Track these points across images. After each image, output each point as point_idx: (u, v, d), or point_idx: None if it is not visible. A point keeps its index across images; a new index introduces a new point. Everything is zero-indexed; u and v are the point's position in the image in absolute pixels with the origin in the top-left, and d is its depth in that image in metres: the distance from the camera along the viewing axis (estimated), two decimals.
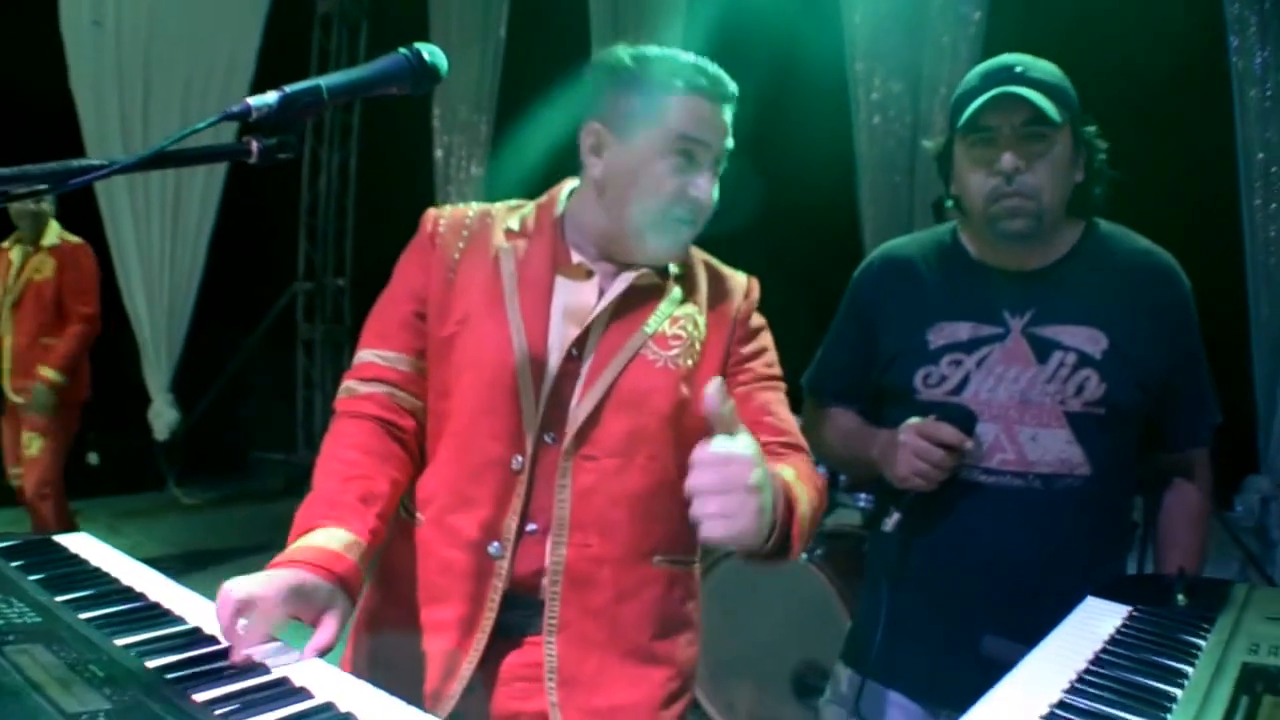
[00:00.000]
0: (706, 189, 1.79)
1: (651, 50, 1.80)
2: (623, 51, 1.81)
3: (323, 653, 1.42)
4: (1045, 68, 2.04)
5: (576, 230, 1.88)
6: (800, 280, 2.42)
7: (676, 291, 1.88)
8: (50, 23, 6.72)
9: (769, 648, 3.86)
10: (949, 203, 2.17)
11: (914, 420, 2.03)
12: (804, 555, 3.79)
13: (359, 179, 9.04)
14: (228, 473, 8.53)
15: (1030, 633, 1.54)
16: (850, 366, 2.30)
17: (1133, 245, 2.13)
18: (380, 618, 1.85)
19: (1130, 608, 1.64)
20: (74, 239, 5.64)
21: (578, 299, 1.84)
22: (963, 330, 2.09)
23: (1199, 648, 1.45)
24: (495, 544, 1.75)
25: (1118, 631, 1.54)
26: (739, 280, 1.98)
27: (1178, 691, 1.30)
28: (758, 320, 1.97)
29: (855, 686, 2.18)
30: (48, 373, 5.39)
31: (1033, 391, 2.02)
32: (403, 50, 1.41)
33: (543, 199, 1.95)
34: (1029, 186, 1.98)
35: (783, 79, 5.82)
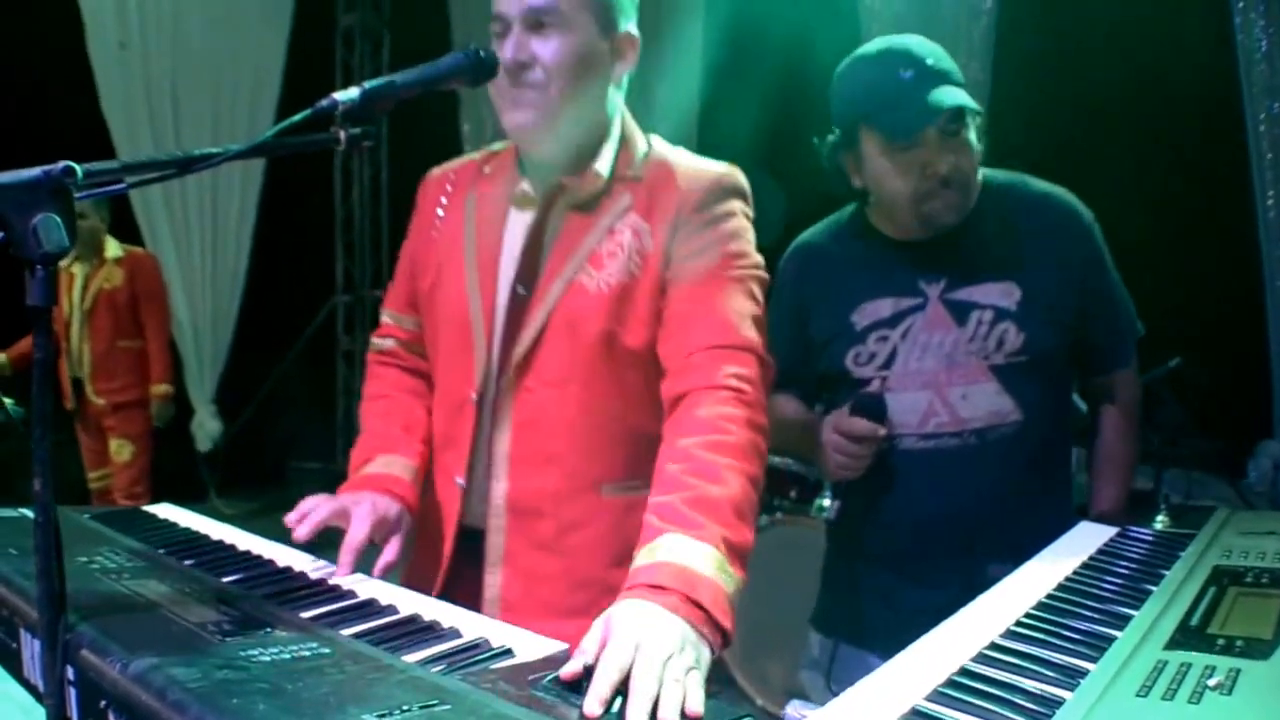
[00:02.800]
0: (511, 51, 1.71)
1: None
2: None
3: (389, 568, 1.68)
4: (936, 50, 2.07)
5: (527, 155, 1.88)
6: None
7: (625, 200, 1.81)
8: (78, 48, 6.92)
9: (799, 621, 3.96)
10: (856, 184, 2.20)
11: (831, 418, 2.13)
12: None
13: (391, 191, 9.20)
14: (268, 483, 8.59)
15: (993, 576, 1.63)
16: (785, 357, 2.22)
17: (1032, 191, 2.21)
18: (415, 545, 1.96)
19: (1117, 529, 1.82)
20: (139, 249, 6.02)
21: (521, 229, 1.86)
22: (884, 307, 2.17)
23: (1177, 555, 1.63)
24: (459, 478, 1.84)
25: (1105, 545, 1.72)
26: (701, 172, 1.84)
27: (1154, 588, 1.47)
28: (721, 208, 1.80)
29: (827, 650, 2.31)
30: (159, 389, 5.87)
31: (957, 353, 2.11)
32: (462, 51, 1.62)
33: None
34: (959, 182, 2.07)
35: (799, 80, 5.94)
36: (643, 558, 1.43)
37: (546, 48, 1.72)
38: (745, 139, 5.76)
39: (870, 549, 2.24)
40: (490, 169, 1.96)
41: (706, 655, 1.31)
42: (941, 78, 2.02)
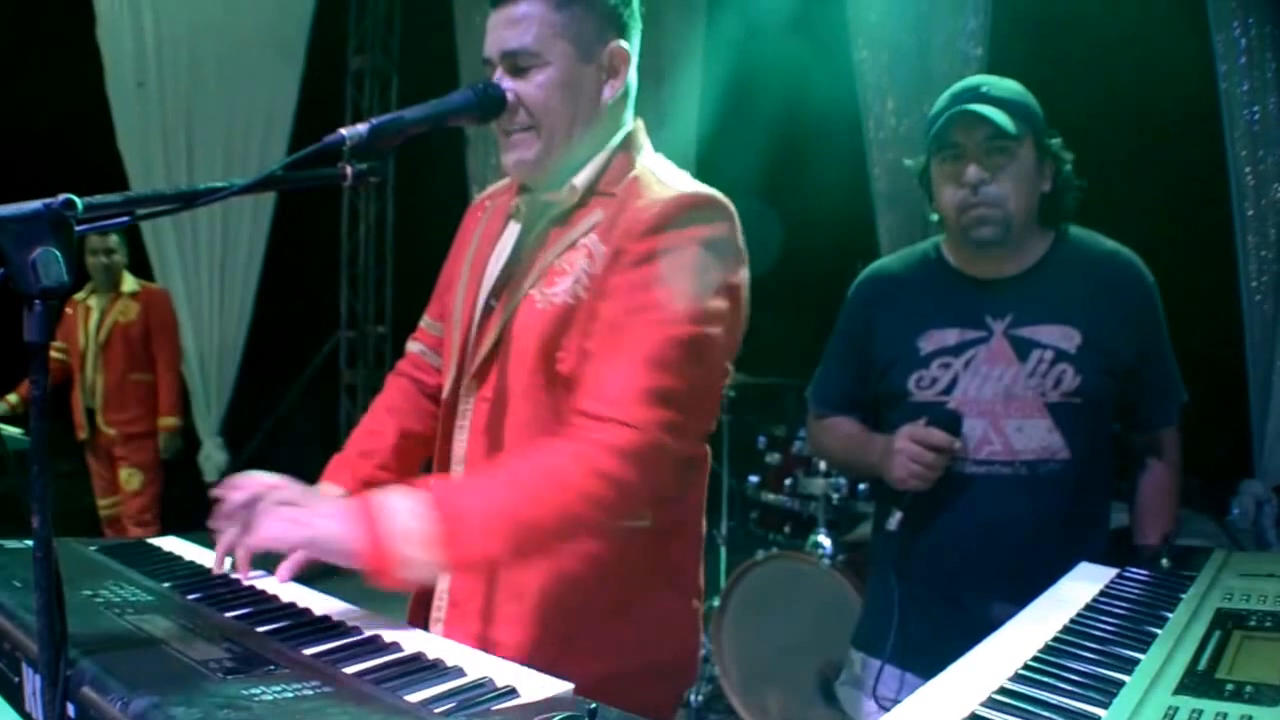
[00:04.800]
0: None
1: None
2: None
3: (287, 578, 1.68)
4: (1007, 85, 2.20)
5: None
6: (820, 314, 2.55)
7: (595, 217, 1.76)
8: (97, 85, 6.94)
9: (796, 652, 3.97)
10: (934, 217, 2.32)
11: (906, 428, 2.18)
12: (826, 562, 3.91)
13: (396, 229, 9.20)
14: None
15: (1027, 601, 1.64)
16: (847, 378, 2.46)
17: (1100, 247, 2.28)
18: None
19: (1118, 570, 1.78)
20: (154, 285, 6.13)
21: (509, 243, 1.87)
22: (950, 336, 2.25)
23: (1179, 598, 1.58)
24: (431, 476, 1.85)
25: (1107, 586, 1.68)
26: (670, 191, 1.73)
27: (1158, 631, 1.43)
28: (668, 238, 1.66)
29: (870, 669, 2.32)
30: (168, 421, 5.91)
31: (1016, 387, 2.18)
32: (470, 86, 1.62)
33: None
34: (993, 196, 2.15)
35: (797, 123, 5.97)
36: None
37: (528, 87, 1.73)
38: (742, 179, 5.83)
39: (917, 568, 2.25)
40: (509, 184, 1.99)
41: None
42: (992, 101, 2.13)
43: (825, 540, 4.19)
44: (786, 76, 5.96)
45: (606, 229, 1.72)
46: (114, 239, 5.73)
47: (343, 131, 1.43)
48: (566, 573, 1.70)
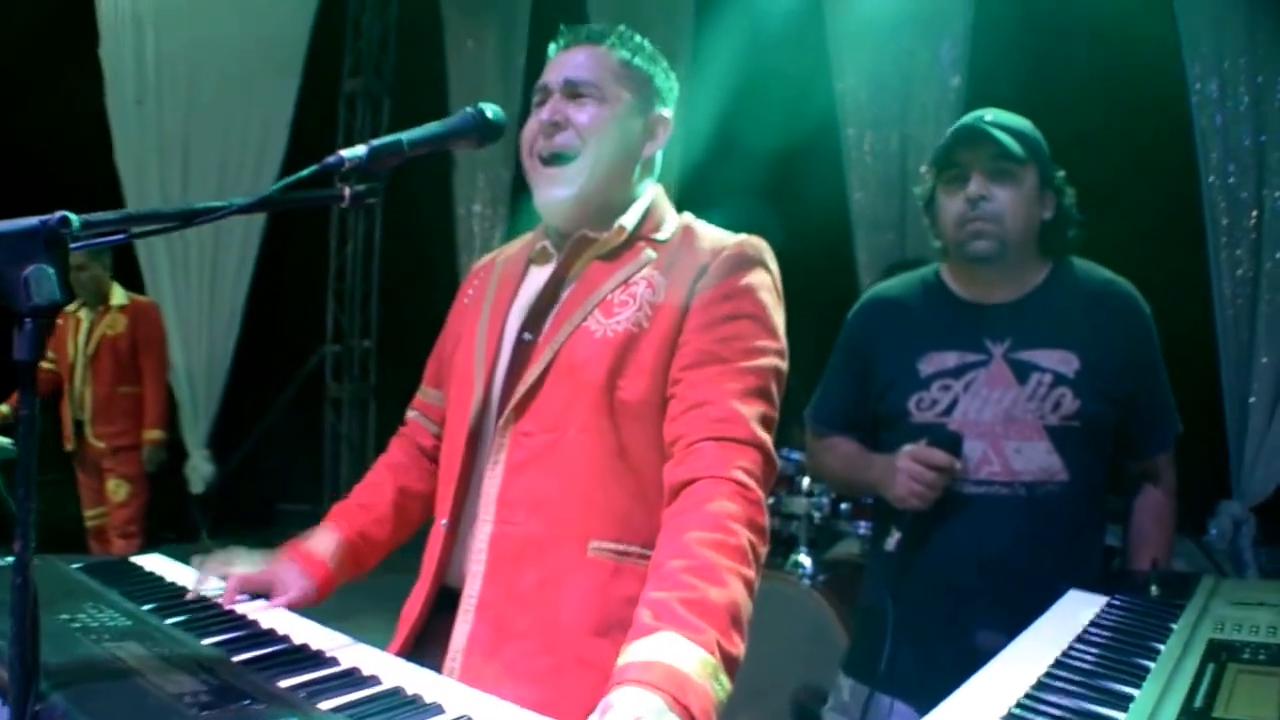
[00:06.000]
0: (547, 113, 1.75)
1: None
2: None
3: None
4: (1013, 117, 2.22)
5: (555, 226, 1.85)
6: (802, 335, 2.51)
7: (647, 255, 1.75)
8: (97, 102, 6.88)
9: (773, 675, 3.83)
10: (937, 243, 2.29)
11: (908, 447, 2.14)
12: (807, 581, 3.83)
13: (383, 247, 9.14)
14: (258, 523, 8.42)
15: (1022, 625, 1.61)
16: (847, 398, 2.41)
17: (1098, 275, 2.27)
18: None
19: (1108, 598, 1.73)
20: (143, 298, 5.98)
21: (538, 282, 1.80)
22: (950, 359, 2.21)
23: (1170, 628, 1.53)
24: (443, 519, 1.75)
25: (1097, 616, 1.62)
26: (724, 239, 1.75)
27: (1150, 664, 1.37)
28: (744, 280, 1.69)
29: (858, 696, 2.26)
30: (152, 434, 5.77)
31: (1015, 409, 2.15)
32: (469, 110, 1.54)
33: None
34: (991, 211, 2.15)
35: (778, 150, 5.94)
36: (636, 653, 1.29)
37: (582, 113, 1.74)
38: (725, 204, 5.79)
39: (914, 589, 2.18)
40: (521, 243, 1.94)
41: None
42: (996, 125, 2.16)
43: (805, 560, 4.11)
44: (769, 105, 5.94)
45: (665, 266, 1.72)
46: (80, 256, 5.57)
47: (342, 153, 1.37)
48: (607, 618, 1.60)
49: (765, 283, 1.71)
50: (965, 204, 2.16)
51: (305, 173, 1.32)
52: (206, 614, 1.56)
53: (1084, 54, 5.41)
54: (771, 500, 4.58)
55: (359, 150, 1.38)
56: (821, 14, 6.15)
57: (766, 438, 1.60)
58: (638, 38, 1.83)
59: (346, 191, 1.39)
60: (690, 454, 1.57)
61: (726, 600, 1.38)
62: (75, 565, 1.80)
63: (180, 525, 7.87)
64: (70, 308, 5.72)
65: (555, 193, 1.74)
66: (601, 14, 6.70)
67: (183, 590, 1.69)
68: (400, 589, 1.78)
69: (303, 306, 9.06)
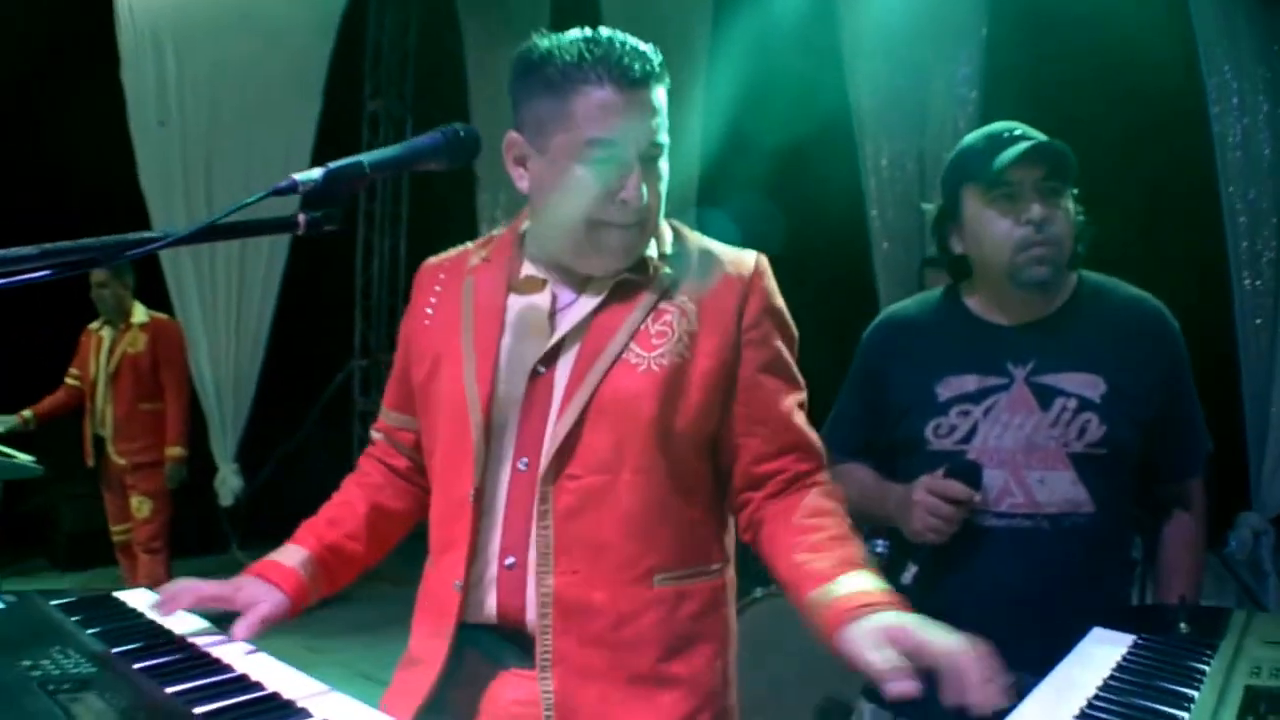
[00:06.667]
0: (635, 190, 1.52)
1: (562, 38, 1.53)
2: (533, 43, 1.56)
3: (250, 634, 1.56)
4: (1037, 131, 2.06)
5: (535, 243, 1.68)
6: (819, 351, 2.39)
7: (665, 277, 1.63)
8: (120, 123, 6.82)
9: (794, 688, 3.75)
10: (930, 254, 2.15)
11: (924, 478, 1.99)
12: None
13: (408, 262, 9.06)
14: (287, 536, 8.32)
15: (1046, 663, 1.49)
16: (862, 423, 2.26)
17: (1124, 293, 2.11)
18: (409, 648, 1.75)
19: (1135, 637, 1.59)
20: (162, 316, 5.93)
21: (533, 312, 1.64)
22: (969, 382, 2.06)
23: (1203, 672, 1.40)
24: (456, 582, 1.60)
25: (1124, 659, 1.49)
26: (742, 258, 1.68)
27: (1184, 715, 1.25)
28: (776, 304, 1.68)
29: None
30: (174, 451, 5.73)
31: (1038, 436, 2.00)
32: (441, 128, 1.41)
33: (515, 218, 1.76)
34: (1054, 236, 1.98)
35: (794, 163, 5.84)
36: (835, 586, 1.47)
37: (658, 183, 1.58)
38: (742, 216, 5.76)
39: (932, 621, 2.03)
40: (487, 253, 1.74)
41: None
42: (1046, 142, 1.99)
43: (907, 570, 3.98)
44: (784, 117, 5.83)
45: (688, 288, 1.64)
46: (101, 273, 5.53)
47: (295, 177, 1.26)
48: (676, 639, 1.62)
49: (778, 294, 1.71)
50: (1027, 228, 1.97)
51: (253, 199, 1.20)
52: (179, 658, 1.44)
53: (1099, 67, 5.27)
54: None
55: (314, 174, 1.27)
56: (837, 22, 6.04)
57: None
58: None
59: (301, 218, 1.26)
60: (779, 462, 1.66)
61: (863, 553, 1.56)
62: (55, 602, 1.69)
63: (210, 538, 7.83)
64: (93, 325, 5.75)
65: (618, 263, 1.60)
66: (614, 21, 6.57)
67: (159, 629, 1.58)
68: None
69: (330, 322, 9.03)
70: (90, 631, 1.53)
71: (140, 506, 5.69)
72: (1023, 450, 2.00)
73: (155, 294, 6.19)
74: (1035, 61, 5.51)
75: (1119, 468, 2.01)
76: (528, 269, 1.68)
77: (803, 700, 3.72)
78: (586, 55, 1.49)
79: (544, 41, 1.54)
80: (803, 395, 1.70)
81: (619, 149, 1.51)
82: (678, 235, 1.71)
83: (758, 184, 5.96)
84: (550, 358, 1.60)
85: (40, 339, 6.08)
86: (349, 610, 5.75)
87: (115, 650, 1.44)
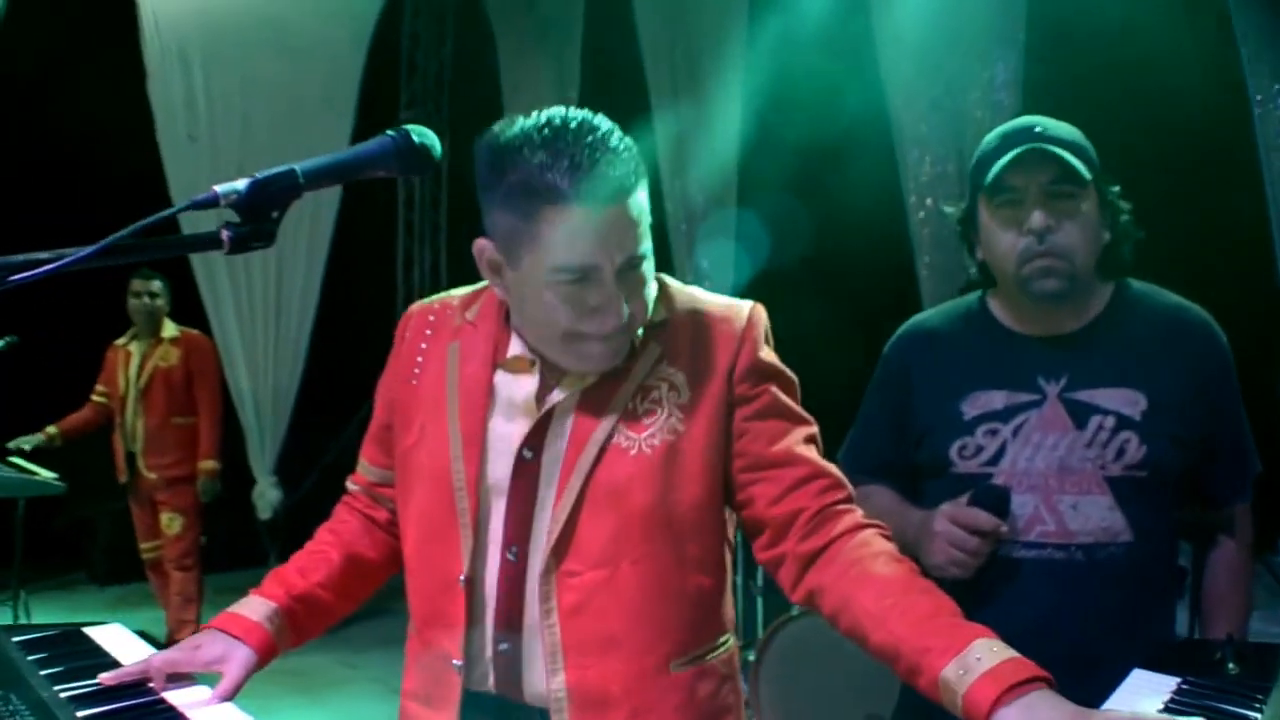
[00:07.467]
0: (614, 311, 1.39)
1: (527, 130, 1.36)
2: (493, 135, 1.40)
3: (225, 697, 1.44)
4: (1066, 127, 1.87)
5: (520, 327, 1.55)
6: (860, 360, 2.24)
7: (653, 350, 1.51)
8: (149, 138, 6.76)
9: (833, 705, 3.66)
10: (972, 269, 2.00)
11: (946, 506, 1.83)
12: None
13: (449, 275, 8.95)
14: None
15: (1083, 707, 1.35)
16: (883, 443, 2.10)
17: (1165, 302, 1.93)
18: (403, 708, 1.67)
19: (1179, 680, 1.43)
20: (193, 331, 5.90)
21: (520, 393, 1.52)
22: (997, 399, 1.90)
23: None
24: (455, 660, 1.52)
25: (1168, 705, 1.34)
26: (733, 314, 1.56)
27: None
28: (765, 357, 1.56)
29: None
30: (207, 465, 5.70)
31: (1072, 458, 1.82)
32: (390, 131, 1.24)
33: None
34: (1060, 246, 1.80)
35: (834, 169, 5.72)
36: (977, 662, 1.26)
37: (641, 290, 1.44)
38: (783, 178, 5.81)
39: None
40: (473, 315, 1.61)
41: None
42: (1054, 140, 1.80)
43: None
44: (821, 119, 5.71)
45: (676, 356, 1.52)
46: (157, 283, 5.58)
47: (216, 189, 1.13)
48: (698, 716, 1.55)
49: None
50: (1029, 238, 1.81)
51: (168, 213, 1.09)
52: (132, 707, 1.35)
53: (1139, 71, 5.10)
54: None
55: (237, 185, 1.13)
56: (871, 25, 5.91)
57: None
58: (626, 136, 1.40)
59: (225, 234, 1.13)
60: (811, 510, 1.50)
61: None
62: (17, 639, 1.59)
63: (248, 552, 7.81)
64: (120, 341, 5.73)
65: (602, 366, 1.47)
66: (648, 26, 6.50)
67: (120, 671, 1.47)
68: None
69: (370, 334, 8.84)
70: (47, 672, 1.44)
71: (170, 523, 5.65)
72: (1055, 473, 1.83)
73: (190, 306, 6.15)
74: (1073, 62, 5.37)
75: (1160, 492, 1.84)
76: (515, 347, 1.54)
77: (842, 717, 3.61)
78: (550, 167, 1.32)
79: (506, 134, 1.38)
80: (809, 430, 1.57)
81: (593, 272, 1.37)
82: (664, 297, 1.56)
83: (794, 187, 5.85)
84: (537, 443, 1.50)
85: (63, 356, 6.08)
86: (383, 624, 5.66)
87: (65, 694, 1.34)
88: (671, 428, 1.49)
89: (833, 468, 1.55)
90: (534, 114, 1.38)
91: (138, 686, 1.42)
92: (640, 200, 1.39)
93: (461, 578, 1.50)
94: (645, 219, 1.41)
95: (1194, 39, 4.74)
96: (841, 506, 1.51)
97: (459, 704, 1.52)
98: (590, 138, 1.34)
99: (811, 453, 1.54)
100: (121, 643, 1.63)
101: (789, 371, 1.59)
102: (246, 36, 7.02)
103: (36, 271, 0.99)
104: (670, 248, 6.21)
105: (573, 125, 1.35)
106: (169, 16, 6.74)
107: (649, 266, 1.45)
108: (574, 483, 1.46)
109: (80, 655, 1.56)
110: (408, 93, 8.75)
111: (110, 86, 6.71)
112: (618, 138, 1.37)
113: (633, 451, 1.47)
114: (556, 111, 1.37)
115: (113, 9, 6.69)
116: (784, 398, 1.56)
